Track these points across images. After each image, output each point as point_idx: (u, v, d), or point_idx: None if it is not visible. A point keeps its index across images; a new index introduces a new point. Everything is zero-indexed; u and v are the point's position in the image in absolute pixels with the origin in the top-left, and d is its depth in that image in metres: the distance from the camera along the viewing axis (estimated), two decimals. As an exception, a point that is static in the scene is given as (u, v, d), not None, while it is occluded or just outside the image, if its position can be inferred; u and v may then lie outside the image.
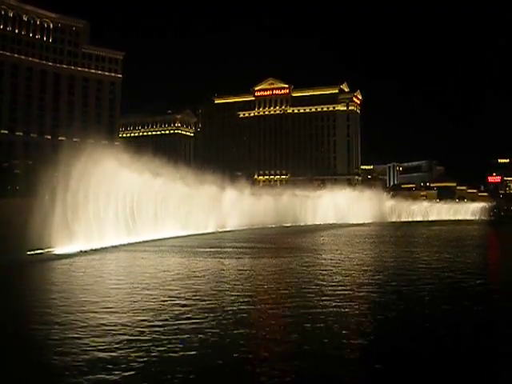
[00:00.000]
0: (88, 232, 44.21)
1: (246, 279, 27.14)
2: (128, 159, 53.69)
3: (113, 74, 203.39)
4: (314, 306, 20.01)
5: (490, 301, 22.84)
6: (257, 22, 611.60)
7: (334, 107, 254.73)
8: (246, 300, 21.24)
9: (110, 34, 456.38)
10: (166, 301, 20.71)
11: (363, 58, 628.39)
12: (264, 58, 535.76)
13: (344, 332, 16.22)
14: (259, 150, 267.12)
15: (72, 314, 18.26)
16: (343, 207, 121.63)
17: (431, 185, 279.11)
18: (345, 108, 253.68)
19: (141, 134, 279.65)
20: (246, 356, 13.73)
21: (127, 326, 16.54)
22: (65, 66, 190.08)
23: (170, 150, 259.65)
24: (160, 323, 16.90)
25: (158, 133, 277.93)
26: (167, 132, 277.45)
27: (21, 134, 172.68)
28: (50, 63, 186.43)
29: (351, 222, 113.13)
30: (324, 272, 29.94)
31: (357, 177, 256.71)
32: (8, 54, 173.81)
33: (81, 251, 39.91)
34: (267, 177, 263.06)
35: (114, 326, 16.48)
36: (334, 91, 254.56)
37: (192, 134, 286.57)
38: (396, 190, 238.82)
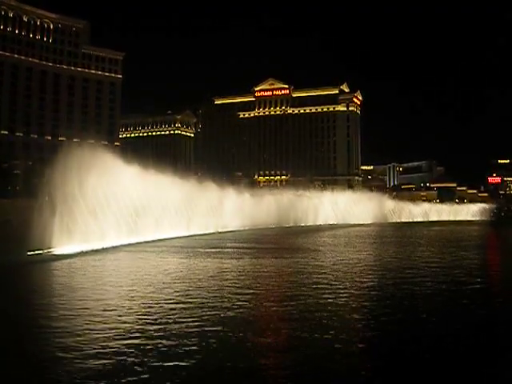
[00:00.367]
0: (88, 232, 44.13)
1: (246, 279, 27.15)
2: (128, 159, 53.66)
3: (113, 75, 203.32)
4: (314, 305, 20.02)
5: (490, 301, 22.85)
6: (257, 22, 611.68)
7: (334, 108, 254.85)
8: (246, 300, 21.24)
9: (110, 33, 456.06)
10: (166, 301, 20.71)
11: (363, 58, 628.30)
12: (264, 58, 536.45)
13: (344, 332, 16.25)
14: (259, 151, 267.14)
15: (72, 313, 18.27)
16: (344, 208, 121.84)
17: (431, 185, 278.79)
18: (345, 108, 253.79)
19: (141, 134, 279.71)
20: (247, 355, 13.76)
21: (127, 325, 16.55)
22: (65, 67, 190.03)
23: (170, 151, 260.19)
24: (160, 323, 16.91)
25: (158, 133, 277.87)
26: (167, 132, 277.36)
27: (21, 134, 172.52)
28: (50, 63, 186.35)
29: (352, 223, 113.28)
30: (324, 272, 29.97)
31: (357, 177, 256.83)
32: (8, 54, 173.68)
33: (81, 252, 39.92)
34: (267, 177, 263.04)
35: (115, 326, 16.50)
36: (334, 92, 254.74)
37: (192, 135, 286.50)
38: (396, 191, 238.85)
